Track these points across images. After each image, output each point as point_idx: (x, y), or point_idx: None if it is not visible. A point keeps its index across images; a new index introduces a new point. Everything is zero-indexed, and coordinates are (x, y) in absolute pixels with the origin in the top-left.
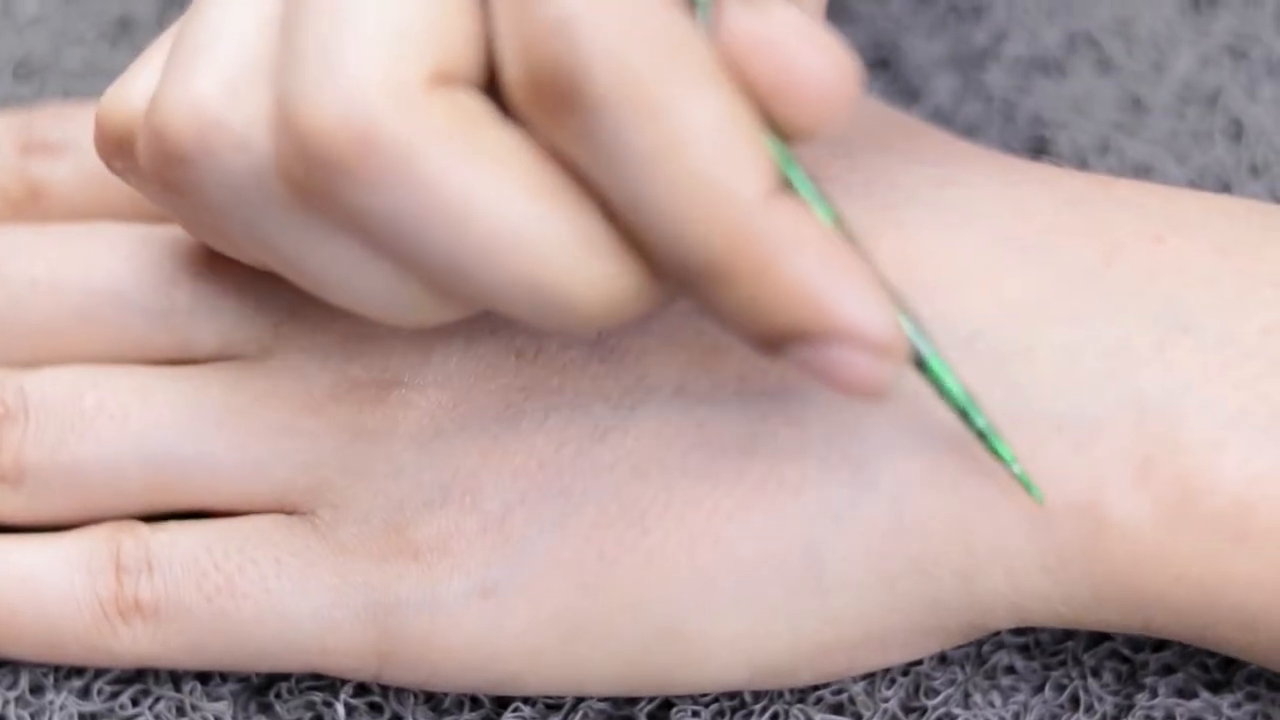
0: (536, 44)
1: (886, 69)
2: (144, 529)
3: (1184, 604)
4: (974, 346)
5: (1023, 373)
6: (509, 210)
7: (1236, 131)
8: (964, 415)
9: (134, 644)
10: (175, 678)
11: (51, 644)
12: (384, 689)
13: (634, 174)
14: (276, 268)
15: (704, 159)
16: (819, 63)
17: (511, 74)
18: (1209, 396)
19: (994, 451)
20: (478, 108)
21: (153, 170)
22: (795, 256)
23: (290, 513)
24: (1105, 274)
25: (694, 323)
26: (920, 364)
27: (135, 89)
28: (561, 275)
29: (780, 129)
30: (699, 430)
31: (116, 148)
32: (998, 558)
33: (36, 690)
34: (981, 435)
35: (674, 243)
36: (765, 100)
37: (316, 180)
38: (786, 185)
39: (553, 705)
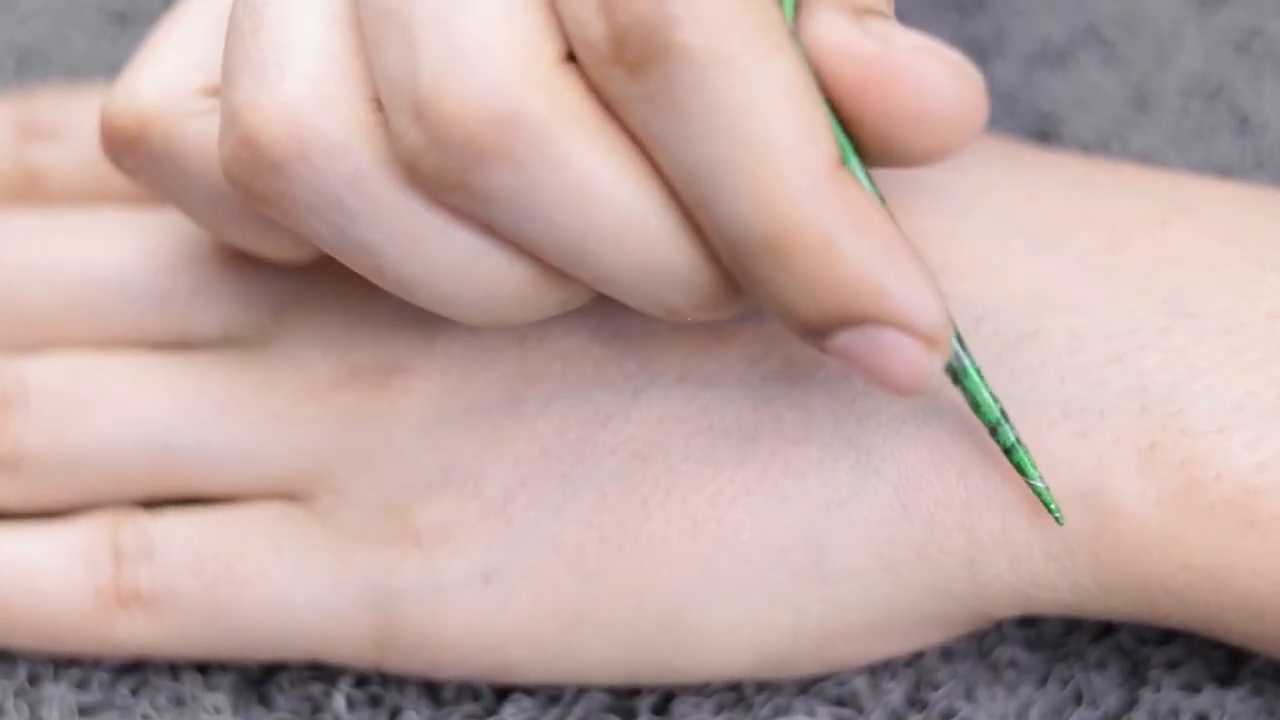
0: (622, 1)
1: None
2: (143, 516)
3: (1190, 591)
4: (980, 331)
5: (1028, 358)
6: (631, 191)
7: (1241, 124)
8: (994, 430)
9: (133, 632)
10: (174, 669)
11: (50, 633)
12: (384, 680)
13: (709, 135)
14: (358, 267)
15: (781, 121)
16: (957, 87)
17: (591, 33)
18: (1214, 382)
19: (1019, 468)
20: (585, 86)
21: (240, 180)
22: (858, 235)
23: (291, 499)
24: (1111, 260)
25: None
26: (954, 373)
27: (141, 88)
28: (676, 258)
29: (894, 153)
30: (702, 415)
31: (126, 147)
32: (1002, 545)
33: (35, 681)
34: (1009, 451)
35: (737, 212)
36: (882, 124)
37: (451, 168)
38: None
39: (554, 697)
